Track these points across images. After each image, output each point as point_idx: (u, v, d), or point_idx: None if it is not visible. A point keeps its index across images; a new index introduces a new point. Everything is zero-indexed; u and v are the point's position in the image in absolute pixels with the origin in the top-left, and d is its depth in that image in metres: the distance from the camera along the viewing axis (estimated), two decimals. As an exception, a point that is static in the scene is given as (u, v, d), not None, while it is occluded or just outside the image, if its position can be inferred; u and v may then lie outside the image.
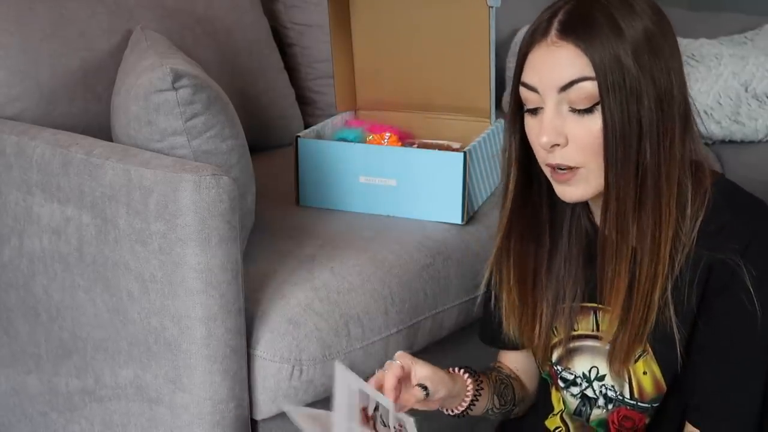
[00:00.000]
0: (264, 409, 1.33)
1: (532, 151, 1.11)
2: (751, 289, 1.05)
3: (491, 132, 1.71)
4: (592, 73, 1.01)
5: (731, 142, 2.25)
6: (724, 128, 2.23)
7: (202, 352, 1.25)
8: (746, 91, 2.24)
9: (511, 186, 1.15)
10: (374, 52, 1.82)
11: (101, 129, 1.54)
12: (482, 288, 1.26)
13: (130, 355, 1.33)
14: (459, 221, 1.60)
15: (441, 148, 1.68)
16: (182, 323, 1.25)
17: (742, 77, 2.24)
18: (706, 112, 2.21)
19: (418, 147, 1.69)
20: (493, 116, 1.74)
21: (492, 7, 1.62)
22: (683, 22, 2.56)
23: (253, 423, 1.35)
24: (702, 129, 1.11)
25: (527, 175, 1.14)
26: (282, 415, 1.36)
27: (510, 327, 1.22)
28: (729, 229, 1.07)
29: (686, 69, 1.08)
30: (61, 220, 1.37)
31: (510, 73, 2.52)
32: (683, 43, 2.28)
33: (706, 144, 2.22)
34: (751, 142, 2.26)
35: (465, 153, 1.56)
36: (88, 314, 1.37)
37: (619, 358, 1.13)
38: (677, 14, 1.10)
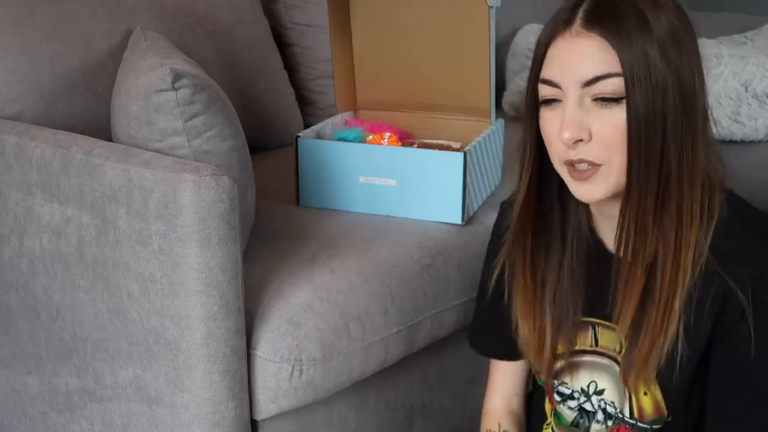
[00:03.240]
0: (264, 409, 1.33)
1: (545, 148, 1.07)
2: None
3: (491, 132, 1.71)
4: (619, 69, 0.98)
5: (731, 142, 2.25)
6: (724, 128, 2.23)
7: (202, 352, 1.25)
8: (746, 91, 2.24)
9: (525, 182, 1.10)
10: (374, 52, 1.82)
11: (101, 129, 1.54)
12: (491, 284, 1.22)
13: (130, 355, 1.33)
14: (459, 221, 1.60)
15: (441, 148, 1.68)
16: (182, 323, 1.25)
17: (742, 77, 2.24)
18: (706, 112, 2.21)
19: (418, 147, 1.69)
20: (493, 116, 1.74)
21: (492, 7, 1.61)
22: (683, 22, 2.56)
23: (253, 423, 1.35)
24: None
25: (540, 174, 1.10)
26: (282, 415, 1.36)
27: (523, 330, 1.18)
28: (742, 253, 1.03)
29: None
30: (61, 220, 1.37)
31: (510, 73, 2.53)
32: (683, 42, 2.28)
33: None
34: (751, 142, 2.26)
35: (465, 153, 1.56)
36: (88, 314, 1.37)
37: (637, 366, 1.08)
38: (677, 14, 1.10)
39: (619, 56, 0.98)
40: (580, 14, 1.00)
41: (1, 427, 1.62)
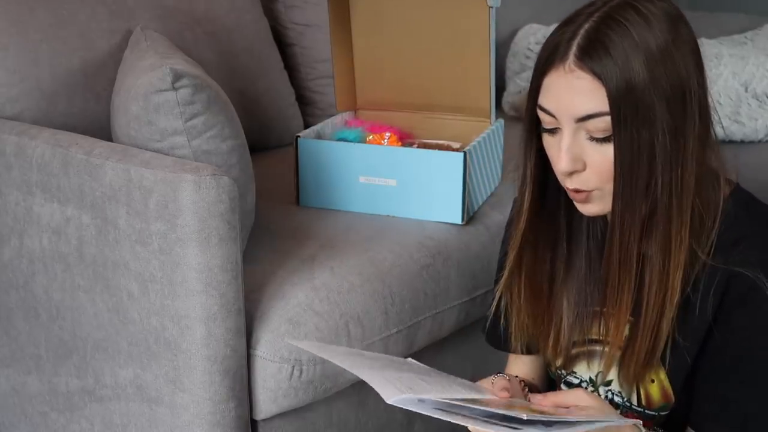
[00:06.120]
0: (264, 409, 1.33)
1: (549, 163, 1.09)
2: None
3: (491, 132, 1.71)
4: (608, 108, 0.99)
5: (731, 142, 2.25)
6: (725, 128, 2.23)
7: (202, 352, 1.25)
8: (746, 91, 2.24)
9: (527, 204, 1.12)
10: (374, 52, 1.82)
11: (101, 129, 1.54)
12: (491, 312, 1.24)
13: (130, 355, 1.33)
14: (459, 221, 1.60)
15: (441, 148, 1.68)
16: (182, 323, 1.25)
17: (742, 77, 2.24)
18: (706, 112, 2.21)
19: (418, 147, 1.69)
20: (493, 116, 1.74)
21: (492, 7, 1.62)
22: (683, 22, 2.57)
23: (253, 423, 1.35)
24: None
25: (542, 187, 1.12)
26: (282, 415, 1.37)
27: (520, 340, 1.20)
28: (747, 242, 1.04)
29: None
30: (61, 220, 1.37)
31: (510, 73, 2.53)
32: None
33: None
34: (751, 142, 2.26)
35: (465, 153, 1.56)
36: (88, 314, 1.37)
37: (630, 380, 1.12)
38: (677, 14, 1.09)
39: (608, 96, 0.98)
40: (574, 49, 1.00)
41: (1, 427, 1.62)
